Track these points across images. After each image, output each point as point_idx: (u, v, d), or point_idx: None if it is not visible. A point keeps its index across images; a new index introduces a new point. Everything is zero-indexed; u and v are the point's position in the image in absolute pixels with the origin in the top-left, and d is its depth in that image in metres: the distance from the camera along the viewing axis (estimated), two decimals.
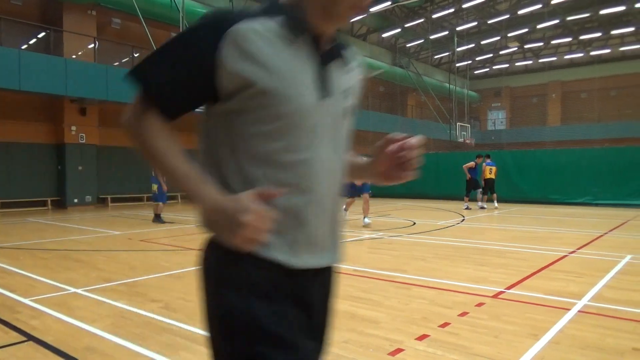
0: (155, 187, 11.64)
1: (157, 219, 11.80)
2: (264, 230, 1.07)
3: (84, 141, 17.50)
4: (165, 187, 11.60)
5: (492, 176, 15.32)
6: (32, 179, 17.01)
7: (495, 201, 15.57)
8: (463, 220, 12.04)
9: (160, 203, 11.79)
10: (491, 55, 39.37)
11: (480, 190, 15.42)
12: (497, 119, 44.24)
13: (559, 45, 37.65)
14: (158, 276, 5.77)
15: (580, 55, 37.73)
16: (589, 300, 4.48)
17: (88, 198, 17.62)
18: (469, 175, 15.31)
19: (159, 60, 1.15)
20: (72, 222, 12.43)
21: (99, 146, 18.20)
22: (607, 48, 35.91)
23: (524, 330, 3.67)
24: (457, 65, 34.25)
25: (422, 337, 3.53)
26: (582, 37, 34.46)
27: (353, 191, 12.54)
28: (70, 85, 15.38)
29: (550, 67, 39.72)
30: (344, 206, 16.30)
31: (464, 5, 27.40)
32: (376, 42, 32.17)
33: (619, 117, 35.80)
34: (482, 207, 15.24)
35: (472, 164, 15.28)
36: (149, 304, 4.51)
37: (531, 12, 28.60)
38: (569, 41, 36.14)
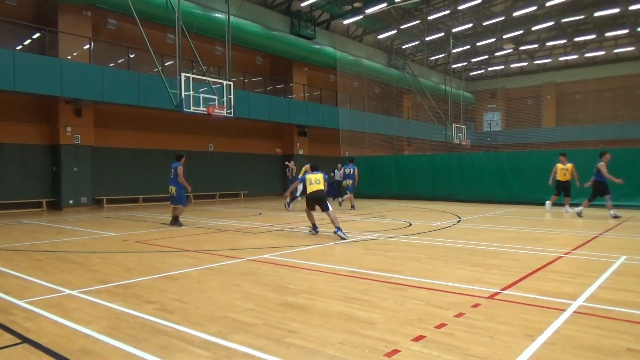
0: (174, 189, 11.26)
1: (175, 221, 11.49)
2: None
3: (79, 142, 17.43)
4: (189, 188, 11.34)
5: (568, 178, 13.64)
6: (27, 180, 16.93)
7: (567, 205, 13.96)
8: (459, 221, 12.07)
9: (181, 206, 11.47)
10: (487, 56, 39.53)
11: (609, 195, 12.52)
12: (492, 120, 44.43)
13: (553, 47, 37.85)
14: (154, 278, 5.75)
15: (575, 57, 37.95)
16: (584, 301, 4.50)
17: (83, 199, 17.54)
18: (610, 177, 12.33)
19: None
20: (67, 224, 12.37)
21: (94, 147, 18.14)
22: (602, 50, 36.13)
23: (519, 331, 3.68)
24: (453, 66, 34.36)
25: (418, 338, 3.53)
26: (576, 39, 34.65)
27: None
28: (65, 86, 15.33)
29: (545, 68, 39.95)
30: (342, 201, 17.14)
31: (460, 7, 27.50)
32: (372, 44, 32.22)
33: (613, 118, 36.03)
34: (578, 214, 12.86)
35: (603, 163, 12.41)
36: (145, 305, 4.50)
37: (526, 14, 28.74)
38: (564, 43, 36.33)
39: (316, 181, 9.95)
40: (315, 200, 9.76)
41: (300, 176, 17.62)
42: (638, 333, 3.65)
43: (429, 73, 38.28)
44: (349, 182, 16.85)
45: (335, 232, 9.15)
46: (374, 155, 24.11)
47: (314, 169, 10.43)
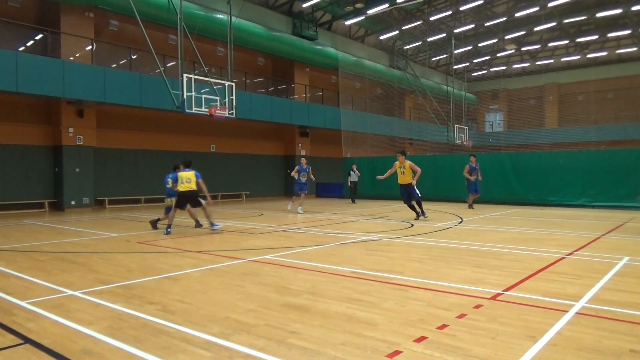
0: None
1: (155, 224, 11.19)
2: None
3: (81, 143, 17.46)
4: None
5: None
6: (29, 181, 16.96)
7: None
8: (461, 222, 12.05)
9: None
10: (488, 57, 39.50)
11: None
12: (494, 121, 44.39)
13: (555, 47, 37.81)
14: (155, 278, 5.76)
15: (577, 57, 37.89)
16: (586, 302, 4.49)
17: (85, 200, 17.57)
18: None
19: None
20: (69, 224, 12.39)
21: (96, 148, 18.17)
22: (604, 50, 36.07)
23: (521, 332, 3.67)
24: (455, 67, 34.34)
25: (419, 339, 3.53)
26: (578, 40, 34.60)
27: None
28: (67, 87, 15.36)
29: (547, 69, 39.91)
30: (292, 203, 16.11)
31: (462, 8, 27.48)
32: (374, 45, 32.23)
33: (616, 119, 35.98)
34: None
35: None
36: (146, 306, 4.50)
37: (528, 15, 28.70)
38: (566, 44, 36.30)
39: (187, 180, 10.31)
40: (187, 199, 10.29)
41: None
42: None
43: (430, 74, 38.26)
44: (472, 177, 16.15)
45: (211, 228, 10.23)
46: (376, 156, 24.09)
47: (187, 165, 10.61)
